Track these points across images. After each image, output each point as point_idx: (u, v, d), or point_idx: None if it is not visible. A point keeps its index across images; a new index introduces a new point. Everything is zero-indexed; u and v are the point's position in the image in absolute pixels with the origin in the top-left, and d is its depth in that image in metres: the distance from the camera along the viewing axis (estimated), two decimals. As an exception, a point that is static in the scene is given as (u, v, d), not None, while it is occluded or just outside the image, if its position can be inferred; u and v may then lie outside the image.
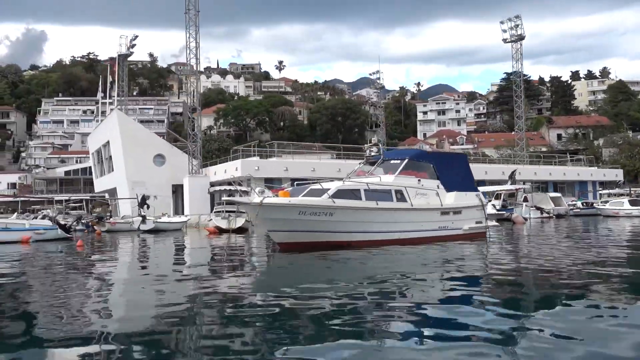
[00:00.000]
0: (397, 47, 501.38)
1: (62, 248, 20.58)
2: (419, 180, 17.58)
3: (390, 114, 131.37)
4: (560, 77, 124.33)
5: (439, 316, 6.63)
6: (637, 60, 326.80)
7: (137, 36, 64.61)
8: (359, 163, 20.80)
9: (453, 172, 18.90)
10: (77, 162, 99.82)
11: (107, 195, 48.40)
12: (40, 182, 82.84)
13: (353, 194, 15.85)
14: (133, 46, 63.89)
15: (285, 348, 5.20)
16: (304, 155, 49.66)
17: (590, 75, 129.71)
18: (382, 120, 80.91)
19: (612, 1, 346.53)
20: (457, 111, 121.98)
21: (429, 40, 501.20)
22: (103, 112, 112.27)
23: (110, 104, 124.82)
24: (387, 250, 15.16)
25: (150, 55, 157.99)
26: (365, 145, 20.40)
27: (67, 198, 42.20)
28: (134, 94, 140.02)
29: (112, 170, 47.72)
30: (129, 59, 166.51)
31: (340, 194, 15.56)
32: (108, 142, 47.67)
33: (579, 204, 47.09)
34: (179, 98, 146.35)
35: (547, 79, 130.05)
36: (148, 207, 32.04)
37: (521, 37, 61.68)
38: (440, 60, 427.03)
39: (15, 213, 31.04)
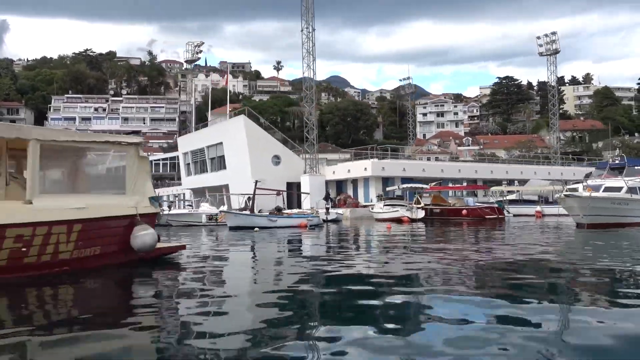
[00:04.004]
0: (370, 46, 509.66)
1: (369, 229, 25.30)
2: (652, 180, 24.17)
3: (386, 114, 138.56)
4: (547, 81, 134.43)
5: None
6: (601, 64, 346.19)
7: (203, 42, 68.51)
8: (595, 168, 27.39)
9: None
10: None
11: (225, 190, 52.36)
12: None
13: (632, 190, 22.21)
14: (200, 52, 67.79)
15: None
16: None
17: (574, 81, 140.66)
18: (410, 122, 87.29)
19: (579, 5, 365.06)
20: (455, 113, 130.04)
21: (401, 40, 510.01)
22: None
23: (120, 101, 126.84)
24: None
25: (150, 53, 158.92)
26: (608, 154, 26.61)
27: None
28: (134, 91, 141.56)
29: (223, 168, 52.07)
30: (123, 55, 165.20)
31: (629, 190, 21.87)
32: (220, 142, 52.15)
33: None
34: (179, 96, 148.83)
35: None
36: (331, 200, 37.18)
37: (556, 51, 69.47)
38: (411, 60, 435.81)
39: (206, 204, 35.50)
